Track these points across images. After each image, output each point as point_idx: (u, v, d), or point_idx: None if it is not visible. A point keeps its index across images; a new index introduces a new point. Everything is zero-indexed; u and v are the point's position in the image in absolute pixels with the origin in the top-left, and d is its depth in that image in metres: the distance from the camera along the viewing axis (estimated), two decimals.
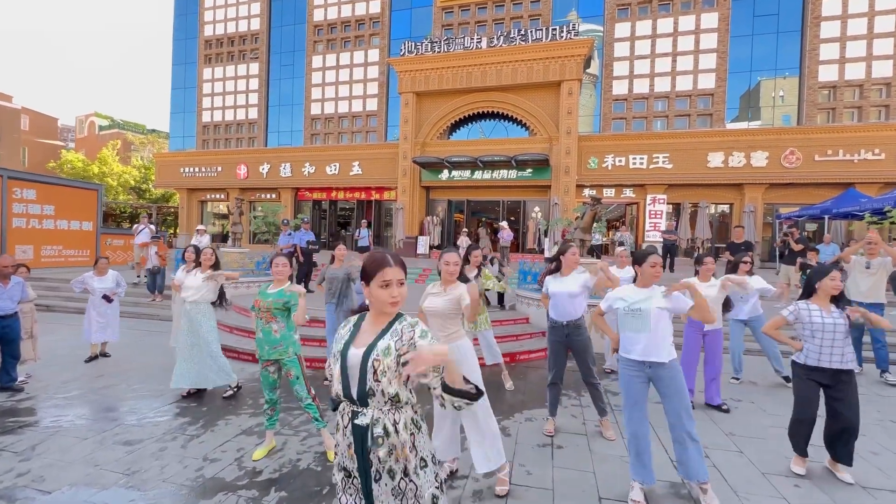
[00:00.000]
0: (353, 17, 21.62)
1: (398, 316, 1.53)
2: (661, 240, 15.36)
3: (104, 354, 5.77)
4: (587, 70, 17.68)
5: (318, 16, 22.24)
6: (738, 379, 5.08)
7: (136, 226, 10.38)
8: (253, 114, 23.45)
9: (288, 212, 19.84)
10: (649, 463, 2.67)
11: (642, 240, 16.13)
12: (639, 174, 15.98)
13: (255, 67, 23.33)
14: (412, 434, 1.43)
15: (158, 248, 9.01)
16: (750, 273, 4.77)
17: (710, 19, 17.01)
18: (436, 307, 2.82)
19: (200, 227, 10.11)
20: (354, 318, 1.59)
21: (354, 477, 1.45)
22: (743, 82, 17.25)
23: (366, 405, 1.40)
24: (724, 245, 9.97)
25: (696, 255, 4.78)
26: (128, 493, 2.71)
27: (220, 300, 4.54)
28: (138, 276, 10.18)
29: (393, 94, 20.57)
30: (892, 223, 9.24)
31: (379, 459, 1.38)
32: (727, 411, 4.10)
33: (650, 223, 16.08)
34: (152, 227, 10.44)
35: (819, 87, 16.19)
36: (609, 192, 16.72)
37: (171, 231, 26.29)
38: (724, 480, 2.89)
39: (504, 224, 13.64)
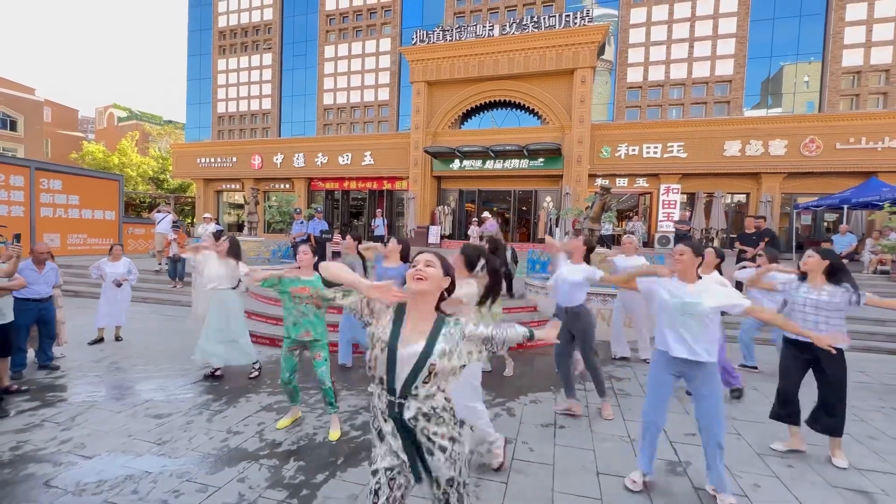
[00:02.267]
0: (365, 6, 21.58)
1: (443, 319, 1.57)
2: (674, 230, 15.24)
3: (117, 338, 5.99)
4: (602, 56, 17.41)
5: (329, 5, 22.25)
6: (748, 366, 5.13)
7: (156, 214, 10.56)
8: (267, 104, 23.72)
9: (301, 202, 20.16)
10: (655, 450, 2.69)
11: (655, 230, 16.00)
12: (652, 163, 15.79)
13: (268, 58, 23.52)
14: (449, 410, 1.57)
15: (179, 237, 9.33)
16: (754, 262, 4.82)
17: (730, 3, 16.54)
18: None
19: (207, 215, 10.34)
20: (394, 305, 1.63)
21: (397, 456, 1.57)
22: (763, 68, 16.80)
23: (405, 398, 1.51)
24: (736, 236, 9.87)
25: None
26: (160, 459, 2.95)
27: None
28: (160, 264, 10.53)
29: (405, 84, 20.58)
30: None
31: (427, 439, 1.53)
32: (738, 398, 4.16)
33: (663, 213, 15.92)
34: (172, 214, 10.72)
35: (842, 73, 15.69)
36: (622, 182, 16.58)
37: (189, 220, 26.91)
38: None
39: (487, 214, 12.91)
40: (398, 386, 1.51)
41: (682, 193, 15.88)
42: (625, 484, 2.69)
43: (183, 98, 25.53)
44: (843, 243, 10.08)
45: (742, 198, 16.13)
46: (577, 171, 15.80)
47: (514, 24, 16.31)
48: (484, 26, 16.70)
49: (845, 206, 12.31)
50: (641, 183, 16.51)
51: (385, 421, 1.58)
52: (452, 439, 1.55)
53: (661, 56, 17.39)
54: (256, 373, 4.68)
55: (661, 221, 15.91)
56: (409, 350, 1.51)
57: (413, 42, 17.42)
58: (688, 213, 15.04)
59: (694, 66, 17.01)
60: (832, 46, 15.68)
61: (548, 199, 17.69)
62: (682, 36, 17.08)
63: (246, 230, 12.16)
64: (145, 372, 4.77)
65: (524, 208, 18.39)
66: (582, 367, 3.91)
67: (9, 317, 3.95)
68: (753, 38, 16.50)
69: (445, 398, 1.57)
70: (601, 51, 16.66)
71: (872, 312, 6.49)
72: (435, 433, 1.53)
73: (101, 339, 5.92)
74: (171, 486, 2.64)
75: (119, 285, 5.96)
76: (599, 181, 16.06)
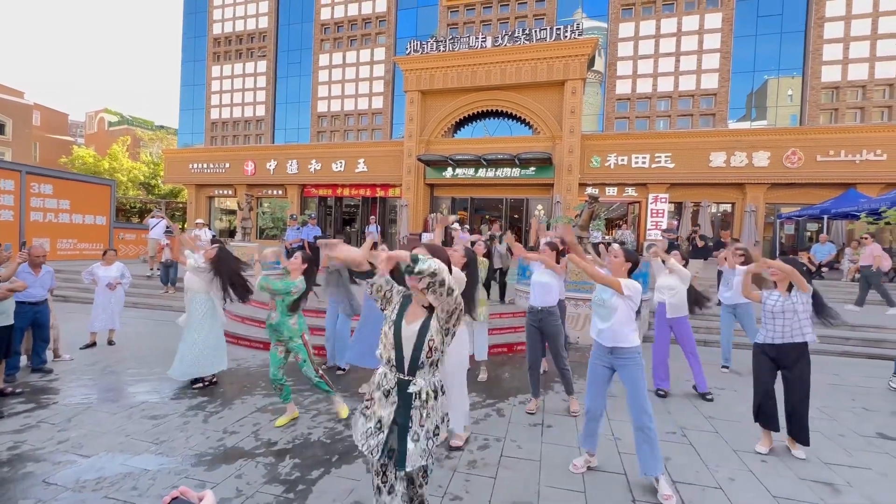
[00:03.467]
0: (360, 16, 21.88)
1: (432, 310, 1.76)
2: (662, 238, 15.55)
3: (110, 342, 6.00)
4: (592, 68, 17.82)
5: (324, 14, 22.52)
6: (727, 367, 5.30)
7: (150, 220, 10.62)
8: (260, 111, 23.80)
9: (294, 208, 20.19)
10: (595, 434, 2.97)
11: (644, 238, 16.31)
12: (641, 173, 16.14)
13: (262, 65, 23.66)
14: (440, 402, 1.79)
15: (172, 243, 9.34)
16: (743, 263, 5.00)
17: (714, 19, 17.10)
18: None
19: (199, 220, 10.35)
20: (403, 292, 1.86)
21: (382, 432, 1.71)
22: (746, 82, 17.35)
23: (413, 374, 1.71)
24: (713, 244, 10.18)
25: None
26: (158, 458, 3.02)
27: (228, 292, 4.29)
28: (151, 269, 10.52)
29: (398, 93, 20.82)
30: (886, 223, 9.38)
31: (419, 419, 1.70)
32: (711, 400, 4.32)
33: (652, 222, 16.23)
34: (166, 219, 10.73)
35: (822, 88, 16.26)
36: (611, 191, 16.90)
37: (180, 226, 26.75)
38: (698, 455, 3.16)
39: (456, 226, 11.99)
40: (406, 364, 1.71)
41: (669, 203, 16.23)
42: (570, 469, 2.93)
43: (176, 103, 25.56)
44: (823, 252, 10.43)
45: (728, 207, 16.53)
46: (567, 180, 16.09)
47: (507, 36, 16.66)
48: (477, 37, 17.03)
49: (825, 217, 12.72)
50: (630, 192, 16.84)
51: (386, 394, 1.73)
52: (435, 433, 1.74)
53: (648, 69, 17.86)
54: (203, 385, 4.44)
55: (649, 230, 16.22)
56: (411, 328, 1.72)
57: (407, 52, 17.69)
58: (675, 222, 15.37)
59: (680, 79, 17.50)
60: (812, 63, 16.26)
61: (539, 207, 17.94)
62: (669, 50, 17.59)
63: (239, 235, 12.20)
64: (139, 375, 4.82)
65: (516, 216, 18.62)
66: (546, 367, 4.14)
67: (10, 319, 3.99)
68: (737, 53, 17.06)
69: (441, 382, 1.80)
70: (591, 62, 17.07)
71: (850, 318, 6.73)
72: (422, 424, 1.70)
73: (93, 344, 5.94)
74: (169, 483, 2.71)
75: (112, 288, 5.99)
76: (589, 190, 16.37)
